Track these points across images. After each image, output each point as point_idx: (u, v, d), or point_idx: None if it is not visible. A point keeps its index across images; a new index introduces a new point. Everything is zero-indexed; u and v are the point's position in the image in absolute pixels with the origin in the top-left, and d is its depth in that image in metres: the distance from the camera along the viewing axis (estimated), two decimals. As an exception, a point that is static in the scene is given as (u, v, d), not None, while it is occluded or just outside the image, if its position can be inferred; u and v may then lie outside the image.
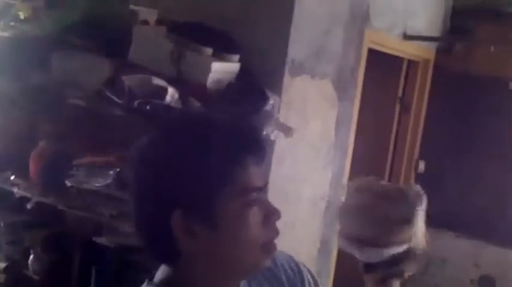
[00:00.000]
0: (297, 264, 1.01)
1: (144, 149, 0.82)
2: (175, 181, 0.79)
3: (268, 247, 0.85)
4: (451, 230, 3.34)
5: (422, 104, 3.67)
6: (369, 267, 1.06)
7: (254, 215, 0.82)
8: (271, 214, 0.84)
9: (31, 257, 2.45)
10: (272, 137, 2.17)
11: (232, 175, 0.80)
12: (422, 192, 1.07)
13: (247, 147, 0.82)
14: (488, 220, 3.59)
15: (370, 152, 3.53)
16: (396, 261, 1.05)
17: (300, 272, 1.00)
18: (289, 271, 0.99)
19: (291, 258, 1.01)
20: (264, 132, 2.02)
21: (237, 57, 2.18)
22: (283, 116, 2.26)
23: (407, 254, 1.06)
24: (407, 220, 1.04)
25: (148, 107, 1.90)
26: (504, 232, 3.56)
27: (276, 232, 0.85)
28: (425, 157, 3.73)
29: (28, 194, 2.32)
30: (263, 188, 0.84)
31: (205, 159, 0.79)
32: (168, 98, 1.87)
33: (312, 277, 1.02)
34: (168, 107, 1.89)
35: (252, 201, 0.81)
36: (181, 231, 0.79)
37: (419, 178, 3.69)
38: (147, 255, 0.87)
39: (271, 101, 2.12)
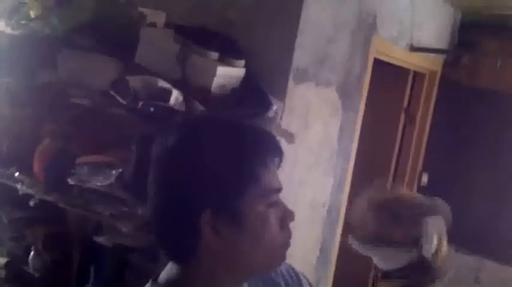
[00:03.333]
0: (296, 273, 1.04)
1: (174, 151, 0.84)
2: (206, 181, 0.82)
3: (284, 247, 0.89)
4: (451, 243, 3.32)
5: (428, 116, 3.67)
6: (385, 274, 1.08)
7: (274, 215, 0.86)
8: (287, 215, 0.88)
9: (31, 254, 2.47)
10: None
11: (258, 176, 0.83)
12: (442, 205, 1.08)
13: (270, 149, 0.87)
14: (491, 235, 3.58)
15: (374, 162, 3.53)
16: (410, 271, 1.07)
17: (299, 281, 1.03)
18: (288, 279, 1.01)
19: (291, 267, 1.04)
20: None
21: (242, 62, 2.19)
22: (285, 122, 2.27)
23: (421, 266, 1.07)
24: (416, 222, 1.05)
25: (152, 109, 1.92)
26: (507, 248, 3.54)
27: (290, 233, 0.89)
28: (428, 169, 3.73)
29: (31, 191, 2.34)
30: (280, 191, 0.88)
31: (235, 160, 0.82)
32: (172, 100, 1.89)
33: None
34: (172, 109, 1.91)
35: (273, 202, 0.86)
36: (209, 230, 0.82)
37: (422, 191, 3.68)
38: (159, 253, 0.91)
39: (274, 107, 2.14)
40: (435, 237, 1.10)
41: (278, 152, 0.88)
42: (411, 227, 1.09)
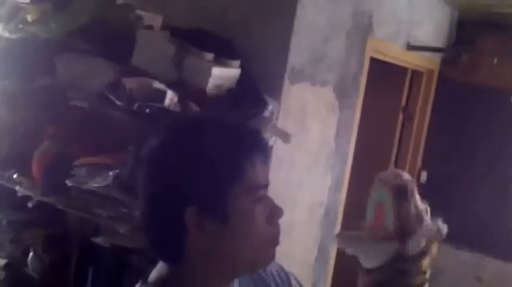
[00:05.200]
0: (286, 274, 1.04)
1: (157, 149, 0.85)
2: (189, 179, 0.83)
3: (272, 243, 0.88)
4: (451, 241, 3.33)
5: (426, 114, 3.68)
6: (369, 272, 1.08)
7: (261, 211, 0.85)
8: (275, 211, 0.88)
9: (30, 255, 2.49)
10: (270, 143, 2.19)
11: (242, 172, 0.83)
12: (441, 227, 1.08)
13: (254, 145, 0.87)
14: (490, 233, 3.58)
15: (373, 161, 3.53)
16: (388, 272, 1.06)
17: (288, 281, 1.03)
18: (278, 279, 1.01)
19: (281, 267, 1.04)
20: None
21: (237, 63, 2.20)
22: (281, 122, 2.28)
23: (399, 267, 1.07)
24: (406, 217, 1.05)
25: (147, 110, 1.93)
26: (506, 245, 3.54)
27: (278, 229, 0.89)
28: (427, 167, 3.73)
29: (30, 193, 2.36)
30: (267, 186, 0.88)
31: (218, 157, 0.83)
32: (166, 101, 1.90)
33: None
34: (167, 110, 1.92)
35: (259, 197, 0.85)
36: (194, 227, 0.82)
37: (421, 188, 3.68)
38: (152, 253, 0.89)
39: (269, 107, 2.15)
40: (424, 240, 1.08)
41: (263, 148, 0.88)
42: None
